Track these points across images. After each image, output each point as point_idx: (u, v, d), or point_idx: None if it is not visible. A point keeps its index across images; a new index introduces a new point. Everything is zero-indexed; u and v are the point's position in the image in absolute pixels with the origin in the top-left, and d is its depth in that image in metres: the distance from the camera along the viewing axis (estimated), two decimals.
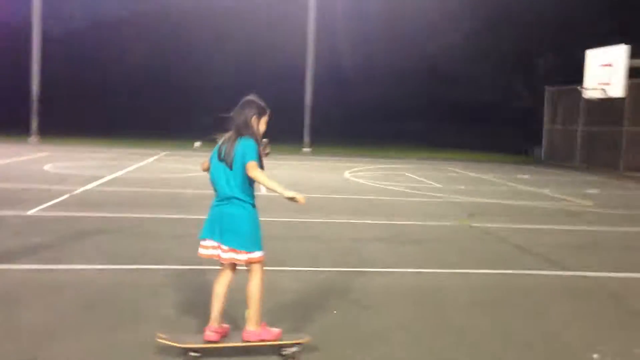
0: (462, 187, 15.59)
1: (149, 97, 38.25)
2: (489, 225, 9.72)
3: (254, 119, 4.00)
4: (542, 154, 27.70)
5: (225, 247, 3.92)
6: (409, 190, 14.30)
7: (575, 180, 18.83)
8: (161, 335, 3.96)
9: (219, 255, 3.96)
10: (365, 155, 26.38)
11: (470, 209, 11.44)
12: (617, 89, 17.27)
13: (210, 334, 3.94)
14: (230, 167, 3.91)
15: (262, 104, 4.09)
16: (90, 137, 27.24)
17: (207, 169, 4.13)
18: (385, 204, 11.83)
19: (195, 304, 5.01)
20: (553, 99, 27.23)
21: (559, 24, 31.27)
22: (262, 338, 4.00)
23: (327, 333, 4.51)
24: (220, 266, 4.07)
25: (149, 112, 35.71)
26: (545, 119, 27.56)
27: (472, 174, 19.62)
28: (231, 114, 4.02)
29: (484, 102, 36.24)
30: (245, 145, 3.91)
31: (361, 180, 16.23)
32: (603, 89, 17.69)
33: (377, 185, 15.33)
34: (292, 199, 3.89)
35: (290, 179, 16.05)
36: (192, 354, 3.84)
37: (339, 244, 7.88)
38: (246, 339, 3.99)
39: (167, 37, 39.50)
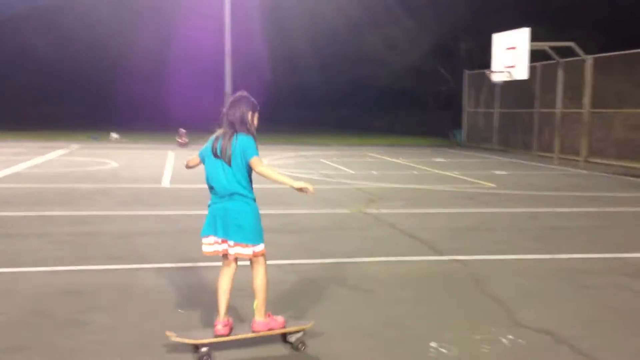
0: (375, 172, 15.66)
1: (60, 90, 36.86)
2: (384, 211, 9.73)
3: (249, 115, 4.08)
4: (463, 137, 28.26)
5: (231, 243, 4.01)
6: (319, 178, 14.23)
7: (487, 162, 19.24)
8: (172, 333, 4.03)
9: (225, 250, 4.05)
10: (286, 142, 26.20)
11: (373, 195, 11.46)
12: (521, 71, 17.69)
13: (220, 327, 4.04)
14: (229, 164, 3.97)
15: (253, 99, 4.18)
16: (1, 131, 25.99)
17: (193, 166, 4.27)
18: (288, 193, 11.70)
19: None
20: (472, 82, 27.76)
21: (477, 9, 31.78)
22: (271, 327, 4.15)
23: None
24: (223, 261, 4.16)
25: (62, 105, 34.43)
26: (465, 102, 28.10)
27: (389, 159, 19.76)
28: (224, 110, 4.08)
29: (410, 87, 36.63)
30: (244, 141, 3.99)
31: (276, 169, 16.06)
32: (509, 72, 18.09)
33: (289, 173, 15.19)
34: (301, 190, 4.07)
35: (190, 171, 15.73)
36: (204, 349, 3.94)
37: None
38: (256, 330, 4.13)
39: (75, 29, 37.95)
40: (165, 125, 28.68)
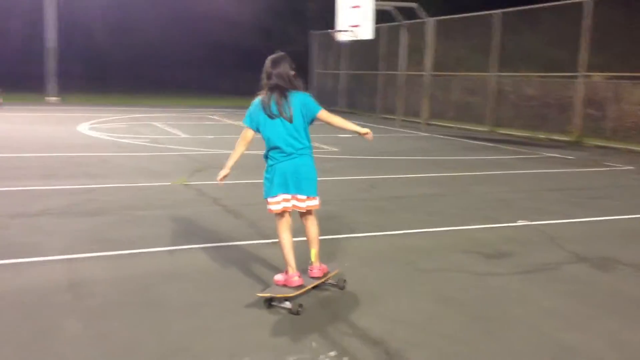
0: (210, 137, 14.31)
1: None
2: (209, 182, 8.50)
3: (292, 73, 4.12)
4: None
5: (302, 197, 4.11)
6: (147, 144, 12.62)
7: None
8: (263, 293, 4.03)
9: (294, 206, 4.13)
10: (121, 104, 23.90)
11: (202, 163, 10.16)
12: (366, 30, 17.08)
13: (297, 278, 4.11)
14: (291, 121, 4.05)
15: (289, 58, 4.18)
16: None
17: (248, 143, 4.28)
18: (104, 162, 10.05)
19: None
20: (320, 43, 27.06)
21: None
22: (325, 272, 4.35)
23: None
24: (280, 219, 4.20)
25: None
26: (314, 63, 27.39)
27: (230, 122, 18.47)
28: (270, 71, 4.07)
29: (258, 47, 35.14)
30: (304, 97, 4.11)
31: (98, 134, 14.11)
32: (354, 31, 17.42)
33: (114, 139, 13.37)
34: (366, 135, 4.29)
35: (5, 134, 13.39)
36: (287, 303, 3.96)
37: None
38: (317, 275, 4.29)
39: None
40: None
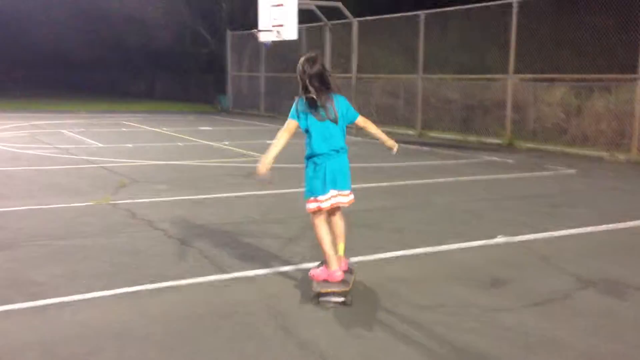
0: (130, 145, 13.04)
1: None
2: (139, 200, 7.42)
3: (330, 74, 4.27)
4: (230, 103, 26.52)
5: (346, 192, 4.33)
6: (57, 155, 11.25)
7: (257, 129, 17.74)
8: (319, 289, 4.13)
9: (338, 202, 4.31)
10: (20, 109, 21.83)
11: (125, 177, 9.01)
12: (290, 30, 16.31)
13: (341, 273, 4.26)
14: (337, 123, 4.23)
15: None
16: None
17: (295, 128, 4.26)
18: (8, 178, 8.69)
19: None
20: (236, 44, 26.01)
21: None
22: (347, 265, 4.51)
23: None
24: (318, 216, 4.28)
25: None
26: (229, 65, 26.30)
27: (149, 128, 17.15)
28: (311, 72, 4.11)
29: (169, 49, 33.47)
30: (345, 101, 4.33)
31: None
32: (278, 31, 16.60)
33: (16, 150, 11.84)
34: (390, 147, 4.68)
35: None
36: (340, 297, 4.12)
37: None
38: (346, 269, 4.40)
39: None
40: None
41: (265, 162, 4.15)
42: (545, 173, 10.39)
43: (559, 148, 13.41)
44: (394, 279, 4.74)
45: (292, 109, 4.22)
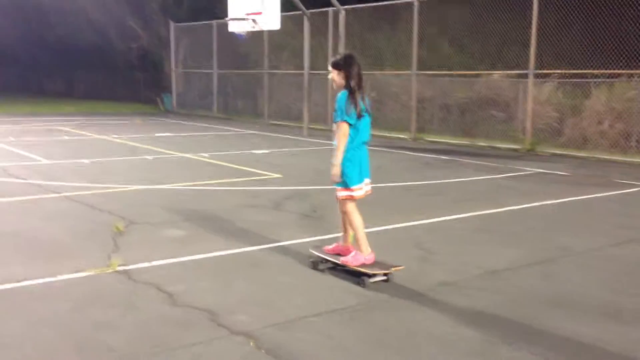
0: (86, 161, 10.20)
1: None
2: (160, 263, 4.84)
3: None
4: (173, 103, 23.59)
5: (369, 181, 4.66)
6: (2, 179, 8.34)
7: (228, 135, 15.15)
8: (370, 275, 4.40)
9: (370, 189, 4.69)
10: None
11: (115, 215, 6.33)
12: (271, 20, 13.88)
13: (373, 256, 4.58)
14: (370, 117, 4.59)
15: None
16: None
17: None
18: None
19: None
20: (178, 36, 23.12)
21: None
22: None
23: None
24: (354, 201, 4.58)
25: None
26: (173, 61, 23.37)
27: (97, 136, 14.18)
28: (349, 70, 4.41)
29: (92, 44, 29.76)
30: (368, 101, 4.58)
31: None
32: (254, 19, 14.10)
33: None
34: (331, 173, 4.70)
35: None
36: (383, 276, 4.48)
37: None
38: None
39: None
40: None
41: (338, 166, 4.44)
42: (627, 190, 8.55)
43: (594, 155, 11.77)
44: None
45: (340, 109, 4.40)
